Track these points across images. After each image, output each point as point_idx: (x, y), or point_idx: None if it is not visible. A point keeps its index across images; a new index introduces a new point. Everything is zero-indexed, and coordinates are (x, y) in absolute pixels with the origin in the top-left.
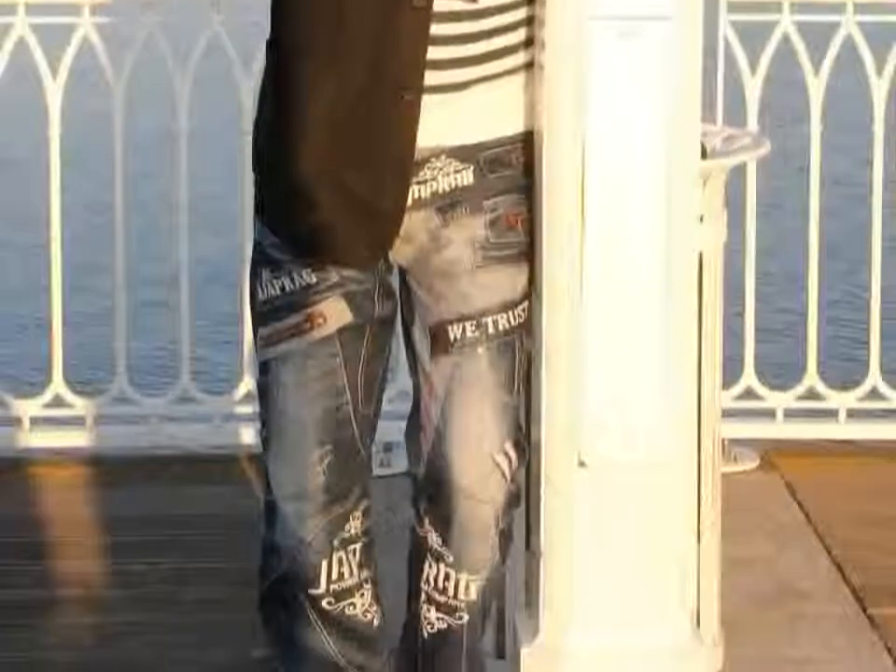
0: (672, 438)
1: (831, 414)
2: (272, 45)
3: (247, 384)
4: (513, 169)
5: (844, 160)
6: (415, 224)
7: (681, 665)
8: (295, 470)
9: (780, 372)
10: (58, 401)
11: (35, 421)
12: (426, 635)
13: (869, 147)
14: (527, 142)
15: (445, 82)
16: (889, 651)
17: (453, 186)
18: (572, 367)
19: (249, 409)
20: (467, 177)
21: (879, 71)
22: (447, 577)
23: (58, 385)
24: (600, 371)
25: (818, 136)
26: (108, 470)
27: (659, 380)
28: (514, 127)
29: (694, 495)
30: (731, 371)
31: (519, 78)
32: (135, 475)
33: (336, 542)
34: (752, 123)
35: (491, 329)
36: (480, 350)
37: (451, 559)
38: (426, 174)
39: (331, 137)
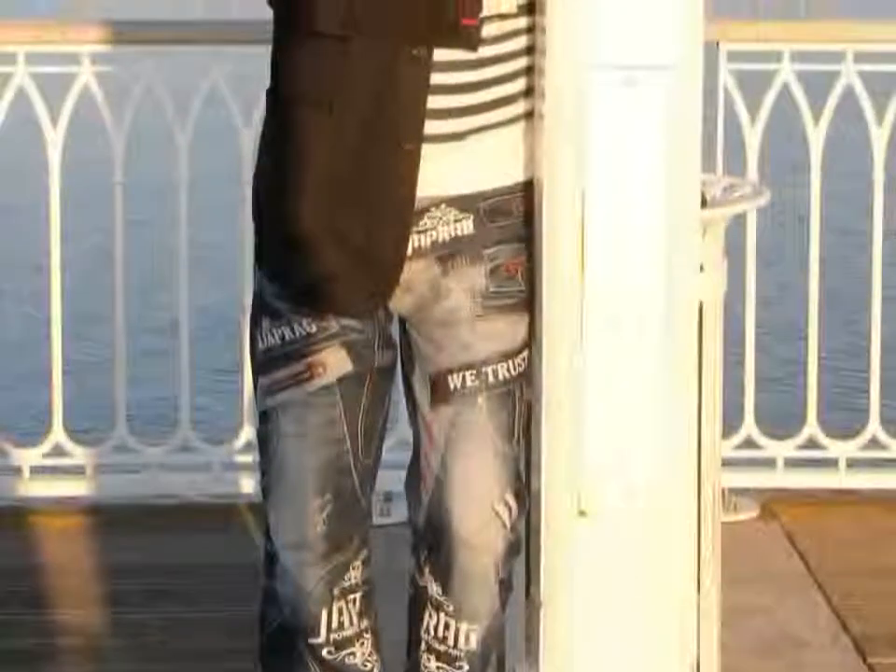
0: (672, 487)
1: (831, 464)
2: (271, 94)
3: (247, 433)
4: (513, 218)
5: (844, 208)
6: (415, 273)
7: None
8: (295, 519)
9: (780, 422)
10: (58, 450)
11: (36, 470)
12: None
13: (869, 196)
14: (527, 191)
15: (445, 131)
16: None
17: (453, 235)
18: (572, 416)
19: (249, 458)
20: (467, 227)
21: (879, 120)
22: (447, 626)
23: (58, 434)
24: (600, 419)
25: (817, 185)
26: (108, 519)
27: (659, 429)
28: (514, 176)
29: (694, 544)
30: (731, 421)
31: (519, 128)
32: (135, 524)
33: (336, 591)
34: (752, 172)
35: (491, 379)
36: (480, 399)
37: (451, 608)
38: (425, 223)
39: (331, 186)
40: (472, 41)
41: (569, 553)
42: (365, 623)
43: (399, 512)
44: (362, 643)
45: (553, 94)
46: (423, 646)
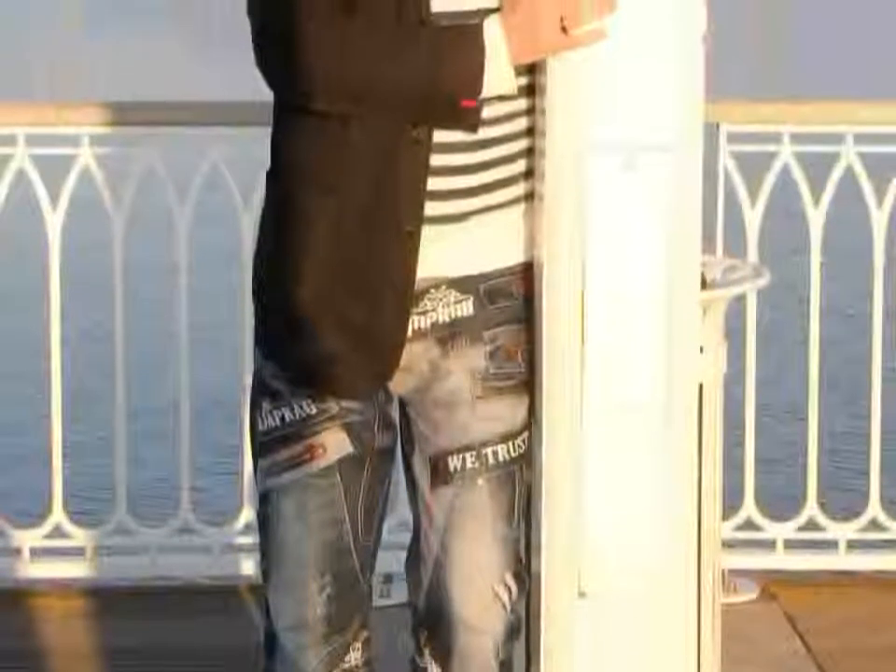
0: (672, 568)
1: (831, 545)
2: (272, 176)
3: (247, 514)
4: (513, 300)
5: (844, 290)
6: (415, 355)
7: None
8: (295, 601)
9: (780, 503)
10: (58, 532)
11: (35, 552)
12: None
13: (869, 278)
14: (527, 273)
15: (445, 213)
16: None
17: (453, 317)
18: (572, 497)
19: (249, 539)
20: (467, 308)
21: (879, 202)
22: None
23: (58, 516)
24: (600, 501)
25: (817, 267)
26: (108, 601)
27: (659, 510)
28: (514, 258)
29: (694, 626)
30: (731, 502)
31: (519, 209)
32: (135, 606)
33: None
34: (752, 254)
35: (491, 461)
36: (480, 481)
37: None
38: (426, 304)
39: (331, 267)
40: (472, 122)
41: (569, 634)
42: None
43: (400, 594)
44: None
45: (553, 176)
46: None
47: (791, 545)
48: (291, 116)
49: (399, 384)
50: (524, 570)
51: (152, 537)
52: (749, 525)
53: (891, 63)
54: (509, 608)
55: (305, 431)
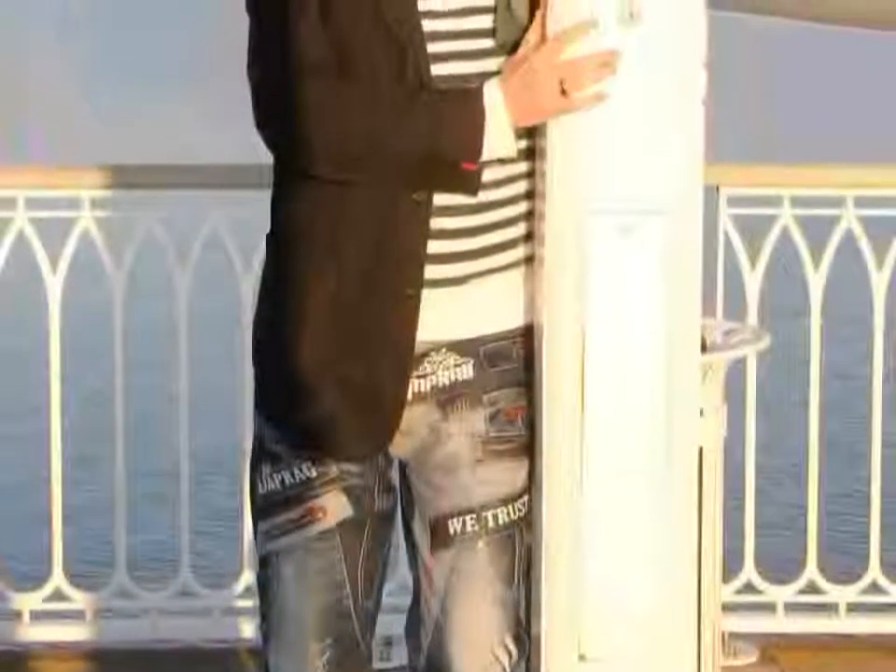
0: (672, 631)
1: (831, 608)
2: (272, 238)
3: (247, 578)
4: (513, 363)
5: (844, 352)
6: (415, 418)
7: None
8: (295, 664)
9: (780, 566)
10: (58, 595)
11: (36, 615)
12: None
13: (869, 340)
14: (527, 336)
15: (445, 276)
16: None
17: (453, 380)
18: (572, 560)
19: (249, 603)
20: (467, 371)
21: (879, 264)
22: None
23: (58, 579)
24: (600, 564)
25: (817, 330)
26: (109, 664)
27: (659, 573)
28: (514, 321)
29: None
30: (731, 565)
31: (519, 272)
32: (135, 669)
33: None
34: (752, 317)
35: (491, 524)
36: (480, 544)
37: None
38: (426, 367)
39: (331, 330)
40: (473, 186)
41: None
42: None
43: (400, 657)
44: None
45: (553, 239)
46: None
47: (791, 608)
48: (291, 179)
49: (399, 447)
50: (524, 633)
51: (152, 600)
52: (748, 587)
53: (890, 127)
54: (509, 670)
55: (305, 494)
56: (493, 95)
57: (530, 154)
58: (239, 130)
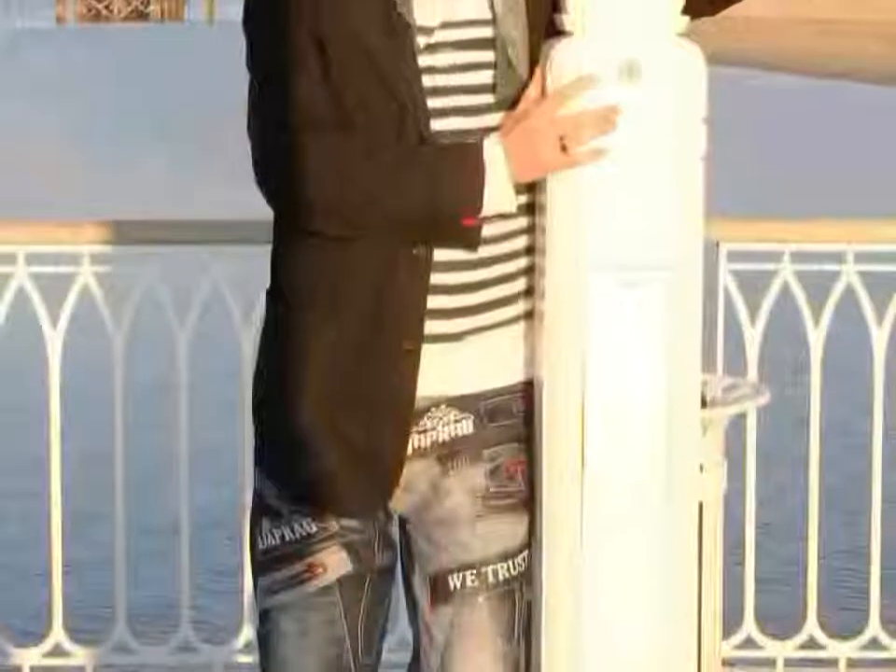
0: None
1: (831, 664)
2: (272, 294)
3: (247, 633)
4: (513, 418)
5: (843, 408)
6: (415, 474)
7: None
8: None
9: (781, 621)
10: (58, 650)
11: (36, 670)
12: None
13: (869, 395)
14: (527, 391)
15: (445, 331)
16: None
17: (453, 435)
18: (572, 615)
19: (250, 658)
20: (467, 427)
21: (879, 320)
22: None
23: (58, 634)
24: (599, 619)
25: (818, 385)
26: None
27: (659, 628)
28: (514, 376)
29: None
30: (731, 621)
31: (519, 328)
32: None
33: None
34: (752, 372)
35: (491, 579)
36: (480, 600)
37: None
38: (425, 423)
39: (331, 386)
40: (473, 241)
41: None
42: None
43: None
44: None
45: (553, 294)
46: None
47: (791, 663)
48: (291, 235)
49: (399, 502)
50: None
51: (152, 655)
52: (749, 643)
53: (889, 182)
54: None
55: (305, 550)
56: (493, 150)
57: (530, 209)
58: (238, 186)
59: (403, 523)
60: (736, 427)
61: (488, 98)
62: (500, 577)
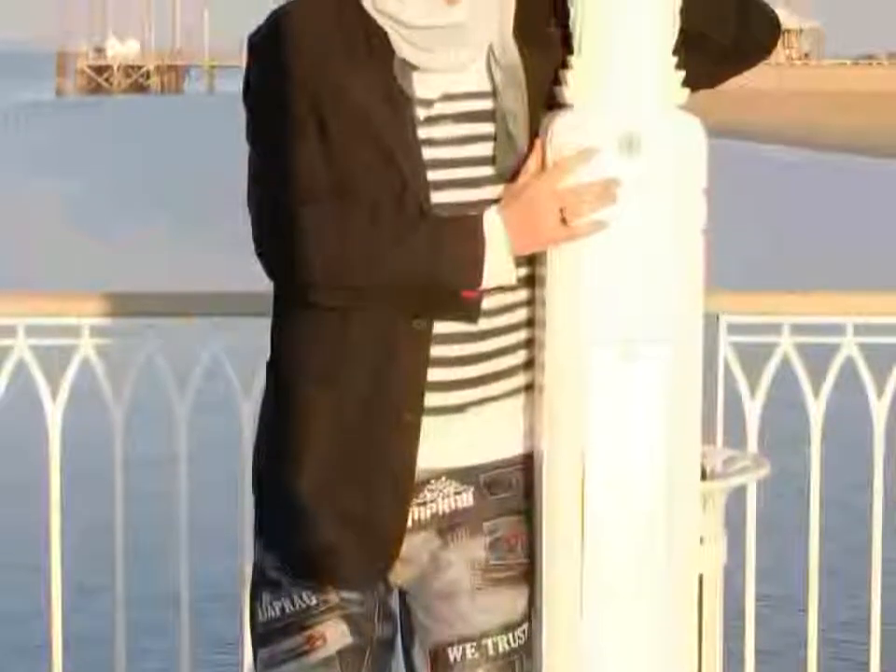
0: None
1: None
2: (272, 366)
3: None
4: (513, 490)
5: (844, 479)
6: (415, 546)
7: None
8: None
9: None
10: None
11: None
12: None
13: (869, 467)
14: (527, 463)
15: (445, 404)
16: None
17: (453, 508)
18: None
19: None
20: (466, 499)
21: (879, 392)
22: None
23: None
24: None
25: (817, 457)
26: None
27: None
28: (514, 449)
29: None
30: None
31: (519, 400)
32: None
33: None
34: (752, 444)
35: (491, 651)
36: None
37: None
38: (425, 495)
39: (331, 458)
40: (473, 314)
41: None
42: None
43: None
44: None
45: (553, 367)
46: None
47: None
48: (291, 306)
49: (399, 574)
50: None
51: None
52: None
53: (889, 254)
54: None
55: (305, 622)
56: (493, 223)
57: (530, 282)
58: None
59: (403, 595)
60: (737, 497)
61: (488, 170)
62: (501, 649)
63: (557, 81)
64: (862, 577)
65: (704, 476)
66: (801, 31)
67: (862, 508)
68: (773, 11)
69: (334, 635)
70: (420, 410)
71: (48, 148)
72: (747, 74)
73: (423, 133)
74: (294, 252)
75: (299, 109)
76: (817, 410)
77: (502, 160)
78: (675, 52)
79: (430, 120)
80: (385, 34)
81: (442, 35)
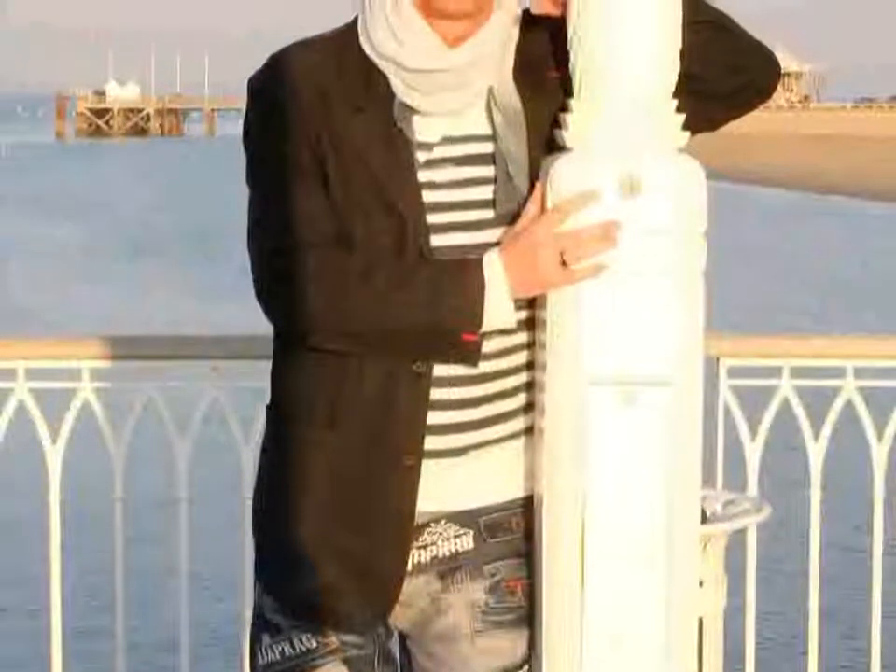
0: None
1: None
2: (272, 409)
3: None
4: (513, 534)
5: (844, 523)
6: (415, 589)
7: None
8: None
9: None
10: None
11: None
12: None
13: (869, 510)
14: (527, 506)
15: (445, 447)
16: None
17: (453, 551)
18: None
19: None
20: (467, 542)
21: (879, 435)
22: None
23: None
24: None
25: (817, 501)
26: None
27: None
28: (514, 492)
29: None
30: None
31: (519, 443)
32: None
33: None
34: (752, 487)
35: None
36: None
37: None
38: (426, 538)
39: (331, 501)
40: (473, 357)
41: None
42: None
43: None
44: None
45: (553, 410)
46: None
47: None
48: (291, 350)
49: (400, 618)
50: None
51: None
52: None
53: (889, 299)
54: None
55: (305, 665)
56: (493, 266)
57: (530, 325)
58: (241, 299)
59: (403, 638)
60: (737, 539)
61: (488, 213)
62: None
63: (557, 124)
64: (862, 620)
65: (704, 519)
66: (801, 74)
67: (863, 551)
68: (773, 54)
69: None
70: (420, 453)
71: (46, 191)
72: (746, 117)
73: (423, 176)
74: (294, 296)
75: (298, 153)
76: (816, 453)
77: (502, 203)
78: (675, 95)
79: (431, 164)
80: (386, 77)
81: (443, 79)
